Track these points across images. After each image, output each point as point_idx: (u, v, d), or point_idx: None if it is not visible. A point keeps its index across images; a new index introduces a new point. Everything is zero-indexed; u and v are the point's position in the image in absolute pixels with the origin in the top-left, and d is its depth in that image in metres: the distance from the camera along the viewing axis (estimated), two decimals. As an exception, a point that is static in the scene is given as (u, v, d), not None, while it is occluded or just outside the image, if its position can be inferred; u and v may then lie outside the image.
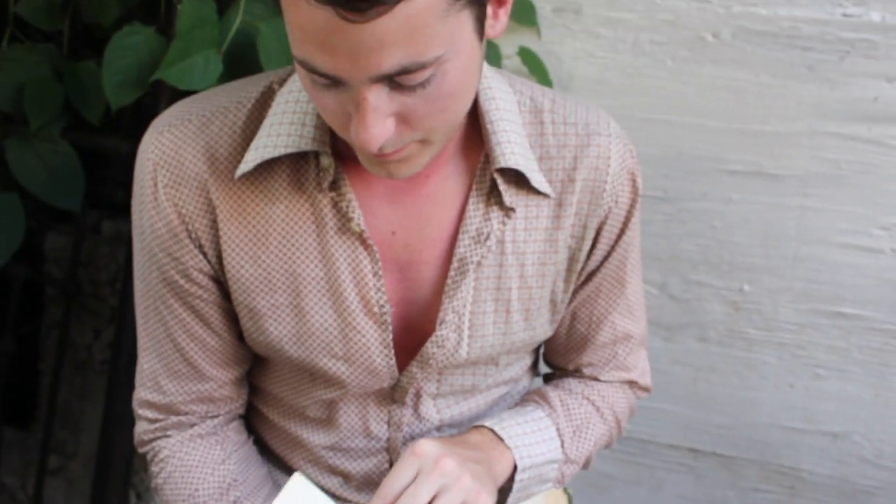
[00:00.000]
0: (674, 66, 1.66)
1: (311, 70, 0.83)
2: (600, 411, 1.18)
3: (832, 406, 1.71)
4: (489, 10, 0.87)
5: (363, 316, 1.02)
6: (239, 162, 0.99)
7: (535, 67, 1.68)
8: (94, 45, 1.80)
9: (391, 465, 1.14)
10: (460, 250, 1.01)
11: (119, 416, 2.15)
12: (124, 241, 1.99)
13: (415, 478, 0.93)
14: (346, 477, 1.16)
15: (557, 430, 1.12)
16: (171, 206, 1.01)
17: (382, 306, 1.01)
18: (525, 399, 1.18)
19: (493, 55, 1.66)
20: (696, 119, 1.67)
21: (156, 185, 1.01)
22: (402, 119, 0.84)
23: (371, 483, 1.15)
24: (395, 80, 0.81)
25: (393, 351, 1.04)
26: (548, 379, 1.26)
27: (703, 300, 1.74)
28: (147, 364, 1.13)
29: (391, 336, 1.03)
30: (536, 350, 1.23)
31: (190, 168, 0.99)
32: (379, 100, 0.82)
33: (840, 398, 1.71)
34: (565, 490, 1.02)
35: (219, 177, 0.99)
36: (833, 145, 1.61)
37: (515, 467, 1.06)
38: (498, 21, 0.89)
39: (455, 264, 1.01)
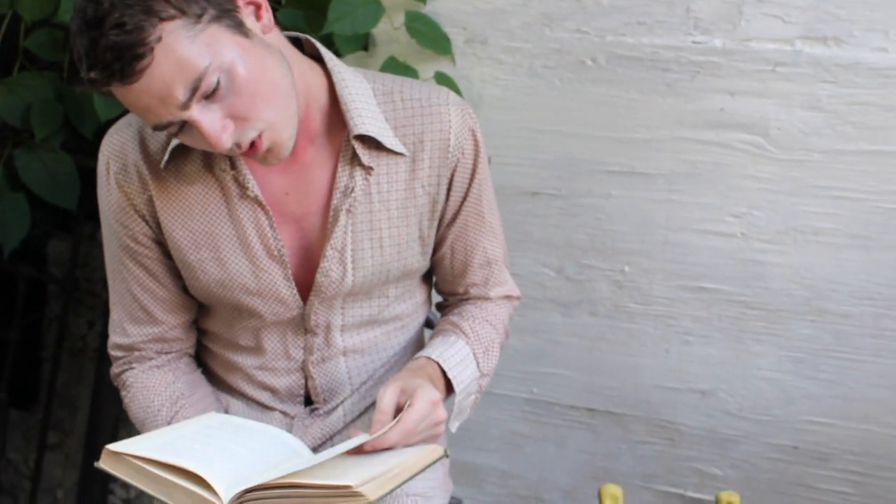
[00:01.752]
0: (561, 86, 1.99)
1: (156, 128, 1.19)
2: (496, 327, 1.51)
3: (700, 368, 2.01)
4: (242, 16, 1.18)
5: (267, 259, 1.36)
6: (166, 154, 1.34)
7: (449, 88, 2.02)
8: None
9: (306, 381, 1.47)
10: (334, 202, 1.35)
11: (106, 395, 2.47)
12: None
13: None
14: (273, 391, 1.49)
15: (473, 353, 1.45)
16: (118, 187, 1.36)
17: (280, 250, 1.36)
18: (444, 330, 1.48)
19: (411, 76, 2.00)
20: (580, 129, 1.98)
21: (108, 172, 1.37)
22: (233, 116, 1.17)
23: (293, 395, 1.48)
24: (198, 96, 1.14)
25: (294, 283, 1.38)
26: (441, 307, 1.58)
27: (593, 280, 2.05)
28: (115, 314, 1.48)
29: (290, 272, 1.37)
30: (427, 288, 1.55)
31: (130, 159, 1.35)
32: (202, 114, 1.15)
33: (706, 361, 2.00)
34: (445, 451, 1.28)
35: (151, 165, 1.35)
36: (690, 148, 1.92)
37: (451, 390, 1.39)
38: (262, 20, 1.22)
39: (331, 213, 1.35)
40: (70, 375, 2.57)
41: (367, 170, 1.35)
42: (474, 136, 1.41)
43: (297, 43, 1.37)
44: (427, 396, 1.25)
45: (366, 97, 1.34)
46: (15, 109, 2.03)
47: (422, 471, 1.17)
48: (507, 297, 1.56)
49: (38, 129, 2.00)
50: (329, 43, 2.03)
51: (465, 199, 1.43)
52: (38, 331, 2.61)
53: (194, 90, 1.13)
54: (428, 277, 1.56)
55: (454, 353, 1.41)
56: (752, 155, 1.89)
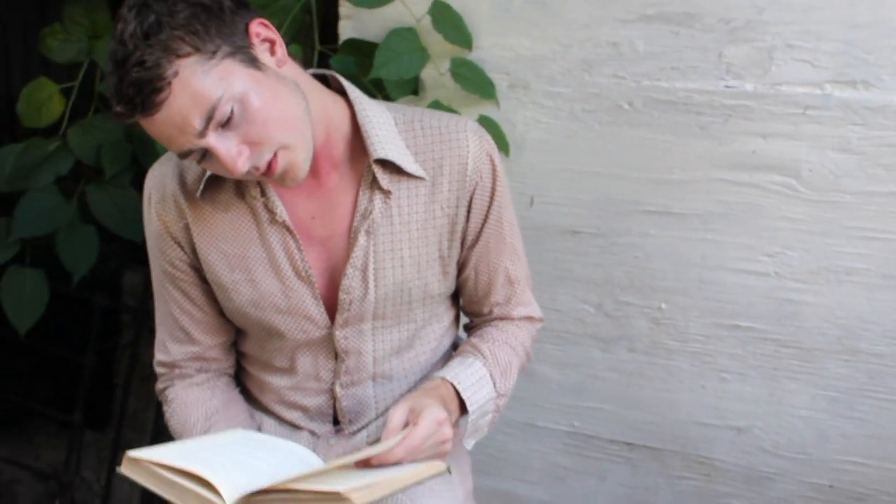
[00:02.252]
0: (600, 129, 2.05)
1: (181, 156, 1.31)
2: (515, 350, 1.59)
3: (736, 404, 2.05)
4: (256, 52, 1.30)
5: (296, 279, 1.47)
6: (201, 184, 1.46)
7: (493, 132, 2.11)
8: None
9: (335, 402, 1.56)
10: (354, 224, 1.45)
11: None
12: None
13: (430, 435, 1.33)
14: (303, 410, 1.59)
15: (490, 374, 1.52)
16: (157, 217, 1.49)
17: (307, 271, 1.46)
18: (464, 351, 1.56)
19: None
20: (618, 170, 2.05)
21: (150, 203, 1.50)
22: (248, 142, 1.29)
23: (322, 414, 1.58)
24: (213, 125, 1.26)
25: (321, 302, 1.48)
26: (468, 328, 1.67)
27: (631, 317, 2.11)
28: (159, 334, 1.60)
29: (318, 291, 1.47)
30: (454, 312, 1.63)
31: (169, 190, 1.48)
32: (219, 141, 1.27)
33: (742, 398, 2.04)
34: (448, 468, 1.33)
35: (188, 195, 1.47)
36: (724, 189, 1.97)
37: (465, 410, 1.47)
38: (276, 55, 1.33)
39: (353, 234, 1.45)
40: (140, 400, 2.72)
41: (386, 193, 1.45)
42: (492, 160, 1.50)
43: (324, 80, 1.48)
44: (433, 416, 1.33)
45: (387, 126, 1.45)
46: (89, 149, 2.20)
47: (418, 483, 1.25)
48: (529, 319, 1.63)
49: (109, 167, 2.16)
50: (381, 88, 2.15)
51: (485, 221, 1.52)
52: (112, 357, 2.77)
53: (209, 119, 1.25)
54: (455, 301, 1.64)
55: (470, 374, 1.49)
56: (784, 196, 1.93)
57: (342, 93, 1.48)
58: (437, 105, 2.10)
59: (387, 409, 1.58)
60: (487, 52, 2.13)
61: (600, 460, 2.21)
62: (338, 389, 1.55)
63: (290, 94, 1.33)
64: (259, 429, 1.59)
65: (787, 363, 1.99)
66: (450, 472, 1.33)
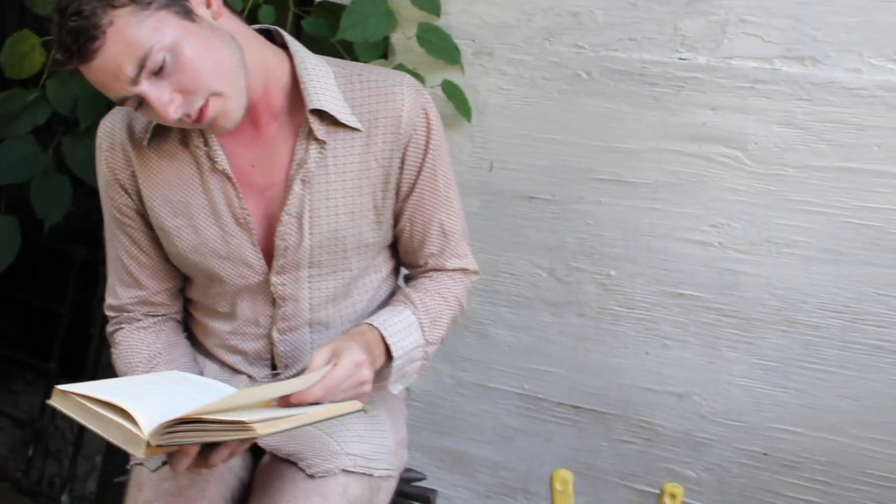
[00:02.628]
0: (559, 97, 2.11)
1: (119, 102, 1.38)
2: (447, 300, 1.64)
3: (677, 371, 2.09)
4: (192, 4, 1.36)
5: (235, 226, 1.53)
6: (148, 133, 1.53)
7: (456, 96, 2.17)
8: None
9: (272, 347, 1.62)
10: (291, 173, 1.51)
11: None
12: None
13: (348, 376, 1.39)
14: (243, 354, 1.65)
15: (419, 322, 1.58)
16: (106, 164, 1.56)
17: (246, 218, 1.52)
18: (395, 300, 1.62)
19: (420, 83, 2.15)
20: (574, 138, 2.10)
21: (100, 151, 1.58)
22: (180, 90, 1.35)
23: (260, 359, 1.64)
24: (146, 73, 1.32)
25: (259, 249, 1.54)
26: (408, 279, 1.72)
27: (581, 283, 2.16)
28: (109, 278, 1.67)
29: (255, 237, 1.53)
30: (392, 263, 1.69)
31: (118, 139, 1.56)
32: (151, 88, 1.34)
33: (683, 364, 2.09)
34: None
35: (135, 144, 1.54)
36: (674, 160, 2.02)
37: (391, 356, 1.53)
38: (212, 7, 1.39)
39: (289, 182, 1.51)
40: (114, 350, 2.78)
41: (322, 143, 1.50)
42: (427, 115, 1.55)
43: (269, 35, 1.54)
44: (352, 357, 1.39)
45: (325, 78, 1.50)
46: (66, 101, 2.27)
47: (329, 419, 1.32)
48: (464, 271, 1.68)
49: (84, 119, 2.23)
50: (350, 51, 2.21)
51: (419, 173, 1.57)
52: (89, 308, 2.83)
53: (141, 67, 1.32)
54: (395, 253, 1.70)
55: (398, 322, 1.54)
56: (730, 168, 1.98)
57: (286, 48, 1.54)
58: (401, 68, 2.15)
59: None
60: (455, 18, 2.19)
61: (548, 422, 2.26)
62: (275, 335, 1.61)
63: (222, 45, 1.39)
64: (201, 373, 1.65)
65: (727, 332, 2.04)
66: (365, 412, 1.39)
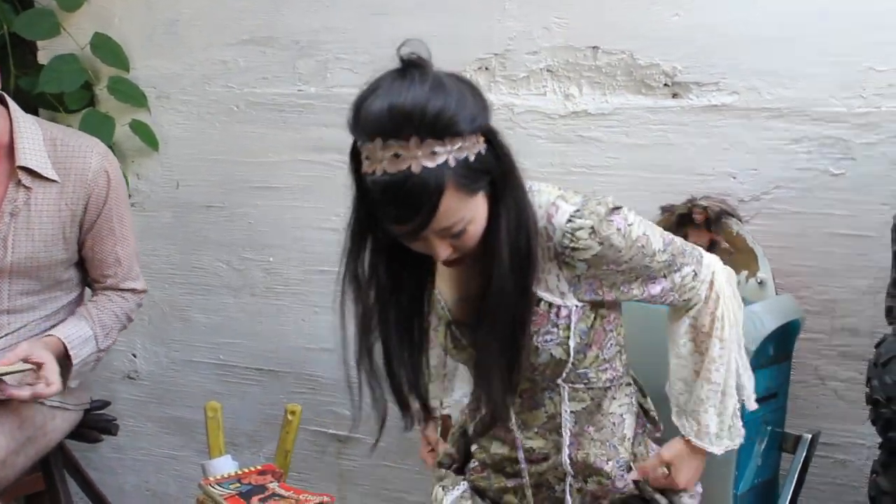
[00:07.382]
0: (220, 126, 2.70)
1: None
2: (118, 316, 2.19)
3: (326, 331, 2.64)
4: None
5: None
6: None
7: (143, 132, 2.75)
8: None
9: None
10: (2, 207, 2.03)
11: None
12: None
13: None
14: None
15: (94, 335, 2.13)
16: None
17: None
18: (79, 313, 2.16)
19: (108, 125, 2.73)
20: (234, 157, 2.69)
21: None
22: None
23: None
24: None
25: None
26: (93, 292, 2.25)
27: (250, 269, 2.74)
28: None
29: None
30: (80, 294, 2.23)
31: None
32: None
33: (329, 325, 2.65)
34: None
35: None
36: (303, 167, 2.61)
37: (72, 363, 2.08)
38: None
39: (1, 214, 2.04)
40: None
41: (28, 189, 2.05)
42: (108, 174, 2.10)
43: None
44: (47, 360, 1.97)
45: (35, 139, 2.05)
46: None
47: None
48: (133, 291, 2.24)
49: None
50: (61, 101, 2.78)
51: (99, 215, 2.12)
52: None
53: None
54: (82, 280, 2.24)
55: (79, 335, 2.10)
56: (343, 170, 2.56)
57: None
58: (94, 113, 2.74)
59: (15, 332, 2.16)
60: (140, 71, 2.79)
61: (240, 384, 2.83)
62: None
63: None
64: None
65: (355, 296, 2.63)
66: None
